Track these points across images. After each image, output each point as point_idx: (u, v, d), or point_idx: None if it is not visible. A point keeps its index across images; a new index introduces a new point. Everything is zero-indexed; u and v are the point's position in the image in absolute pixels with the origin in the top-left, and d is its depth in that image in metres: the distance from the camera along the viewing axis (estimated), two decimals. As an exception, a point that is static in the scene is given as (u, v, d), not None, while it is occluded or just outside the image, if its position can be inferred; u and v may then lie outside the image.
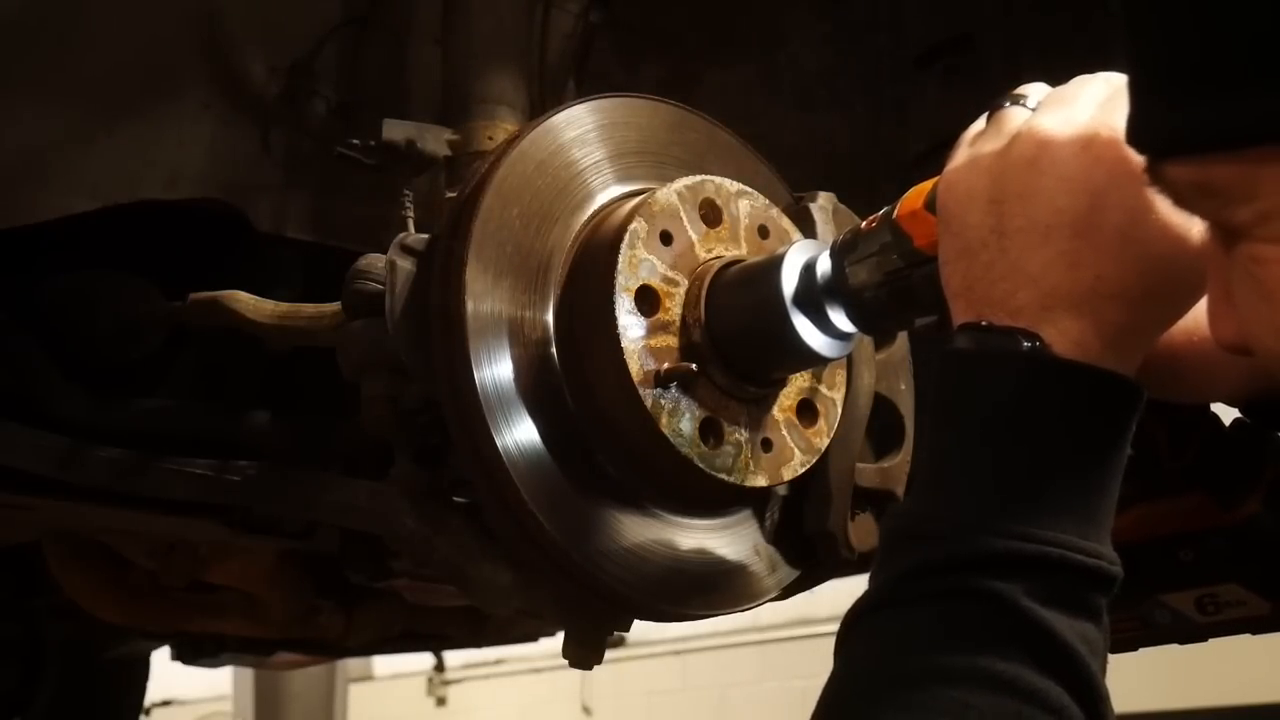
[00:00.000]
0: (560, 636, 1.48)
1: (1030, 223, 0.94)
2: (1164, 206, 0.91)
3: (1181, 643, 1.31)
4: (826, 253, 1.25)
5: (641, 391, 1.31)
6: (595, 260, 1.37)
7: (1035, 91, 1.01)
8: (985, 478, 0.92)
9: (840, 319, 1.25)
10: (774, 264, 1.28)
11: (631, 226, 1.34)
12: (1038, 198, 0.94)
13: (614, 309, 1.31)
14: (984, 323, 0.95)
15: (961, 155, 1.01)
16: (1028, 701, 0.84)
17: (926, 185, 1.13)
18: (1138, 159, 0.89)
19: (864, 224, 1.21)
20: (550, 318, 1.39)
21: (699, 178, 1.41)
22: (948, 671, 0.85)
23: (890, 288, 1.18)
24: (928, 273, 1.09)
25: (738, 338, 1.32)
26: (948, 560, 0.89)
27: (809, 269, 1.26)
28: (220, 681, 9.53)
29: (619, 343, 1.31)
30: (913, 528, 0.94)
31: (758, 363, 1.35)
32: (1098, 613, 0.89)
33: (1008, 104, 1.01)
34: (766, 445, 1.39)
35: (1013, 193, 0.95)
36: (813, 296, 1.25)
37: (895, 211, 1.16)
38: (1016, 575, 0.87)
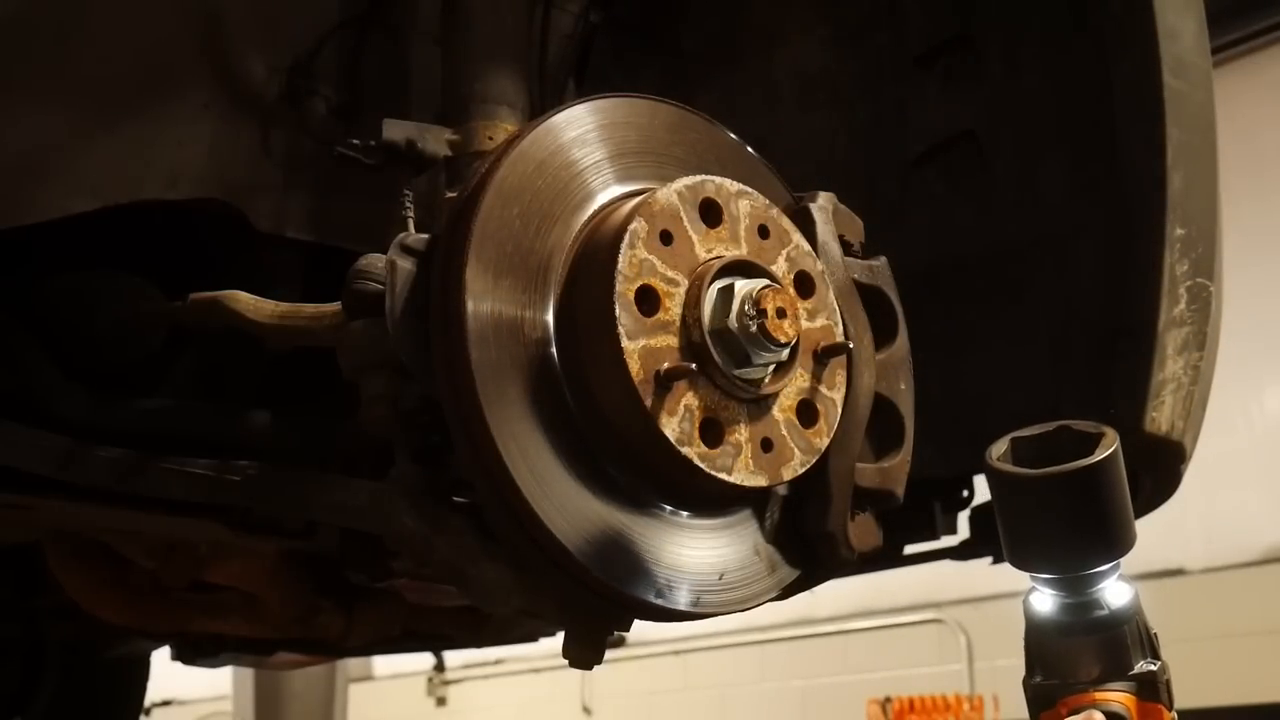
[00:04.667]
0: (560, 636, 1.48)
1: None
2: None
3: None
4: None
5: (641, 391, 1.31)
6: (595, 260, 1.37)
7: None
8: None
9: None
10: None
11: (632, 226, 1.34)
12: None
13: (614, 309, 1.31)
14: None
15: None
16: None
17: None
18: None
19: None
20: (550, 318, 1.39)
21: (699, 178, 1.41)
22: None
23: None
24: None
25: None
26: None
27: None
28: (220, 681, 9.52)
29: (619, 343, 1.31)
30: None
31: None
32: None
33: None
34: (766, 445, 1.38)
35: None
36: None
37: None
38: None
